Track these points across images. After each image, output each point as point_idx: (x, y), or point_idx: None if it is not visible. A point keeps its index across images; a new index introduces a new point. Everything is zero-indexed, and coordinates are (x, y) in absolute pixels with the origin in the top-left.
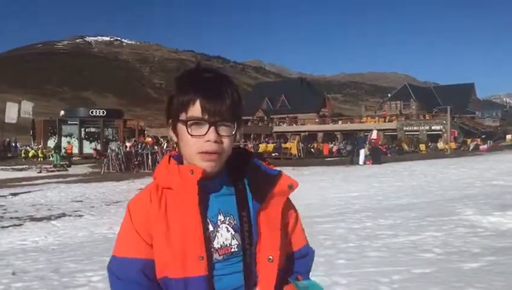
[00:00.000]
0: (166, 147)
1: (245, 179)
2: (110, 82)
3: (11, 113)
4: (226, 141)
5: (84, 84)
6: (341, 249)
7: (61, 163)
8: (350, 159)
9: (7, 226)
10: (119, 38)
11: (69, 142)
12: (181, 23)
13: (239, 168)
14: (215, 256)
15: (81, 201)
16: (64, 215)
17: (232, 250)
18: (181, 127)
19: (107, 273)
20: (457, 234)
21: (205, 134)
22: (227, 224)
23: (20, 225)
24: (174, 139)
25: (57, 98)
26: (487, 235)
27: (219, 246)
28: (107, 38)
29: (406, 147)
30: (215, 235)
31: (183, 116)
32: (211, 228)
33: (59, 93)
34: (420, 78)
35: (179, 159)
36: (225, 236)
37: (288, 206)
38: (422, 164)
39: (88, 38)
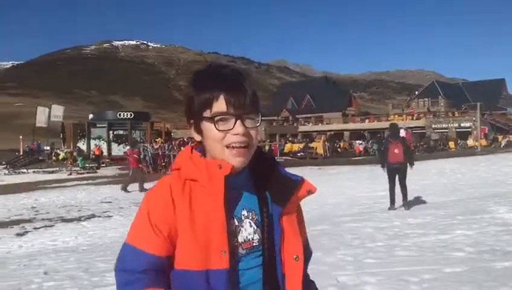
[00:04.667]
0: None
1: (266, 180)
2: (137, 85)
3: (42, 117)
4: (253, 133)
5: (112, 88)
6: (369, 248)
7: (91, 165)
8: (377, 158)
9: (39, 228)
10: (145, 42)
11: (96, 145)
12: (205, 25)
13: (261, 171)
14: (239, 250)
15: (110, 202)
16: (93, 216)
17: (254, 244)
18: (206, 125)
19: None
20: (490, 232)
21: (232, 128)
22: (250, 219)
23: (52, 226)
24: (198, 138)
25: (85, 102)
26: None
27: (243, 240)
28: (133, 42)
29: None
30: (240, 229)
31: (207, 113)
32: (236, 222)
33: (87, 97)
34: (448, 75)
35: (202, 152)
36: (248, 231)
37: (299, 207)
38: (452, 161)
39: (115, 43)
